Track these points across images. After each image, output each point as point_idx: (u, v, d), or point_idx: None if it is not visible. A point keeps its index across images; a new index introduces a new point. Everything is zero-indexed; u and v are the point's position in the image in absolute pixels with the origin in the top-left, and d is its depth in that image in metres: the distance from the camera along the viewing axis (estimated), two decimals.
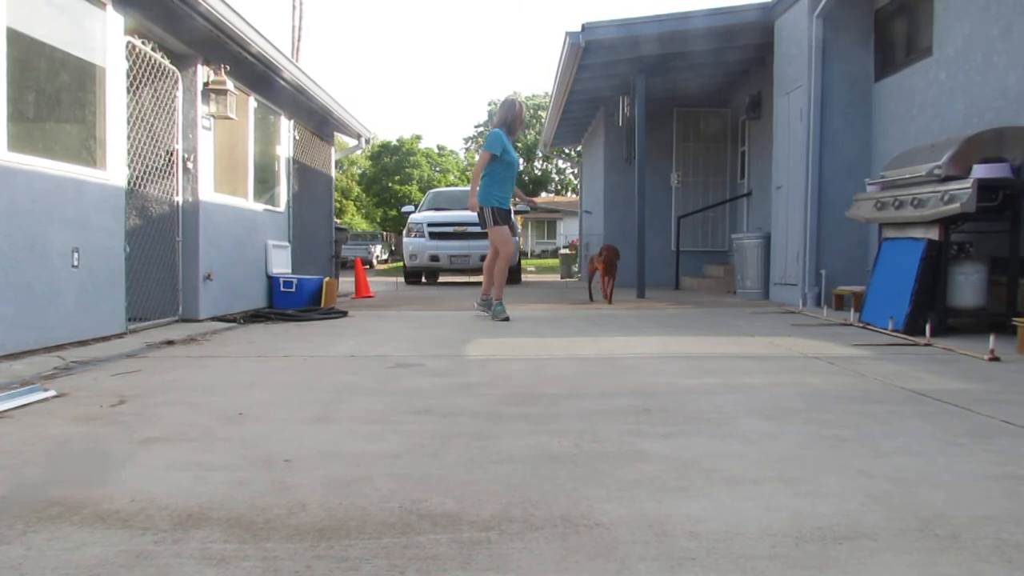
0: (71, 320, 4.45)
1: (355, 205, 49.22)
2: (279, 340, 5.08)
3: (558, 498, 1.80)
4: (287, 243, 8.27)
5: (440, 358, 4.17)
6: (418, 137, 49.89)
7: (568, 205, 41.90)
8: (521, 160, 6.95)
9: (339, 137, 11.32)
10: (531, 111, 50.89)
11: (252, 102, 7.29)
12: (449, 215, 13.27)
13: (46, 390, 3.07)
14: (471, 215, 13.35)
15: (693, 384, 3.33)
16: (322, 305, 7.38)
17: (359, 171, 49.74)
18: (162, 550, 1.50)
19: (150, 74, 5.54)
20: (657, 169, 11.64)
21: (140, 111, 5.43)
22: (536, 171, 54.78)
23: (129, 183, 5.20)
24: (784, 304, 7.76)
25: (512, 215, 6.82)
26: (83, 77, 4.73)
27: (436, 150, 51.86)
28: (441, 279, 15.19)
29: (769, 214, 8.69)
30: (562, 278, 17.85)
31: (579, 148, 18.57)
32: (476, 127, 65.59)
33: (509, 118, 6.57)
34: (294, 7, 20.79)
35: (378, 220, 49.23)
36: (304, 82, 7.91)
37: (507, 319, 6.27)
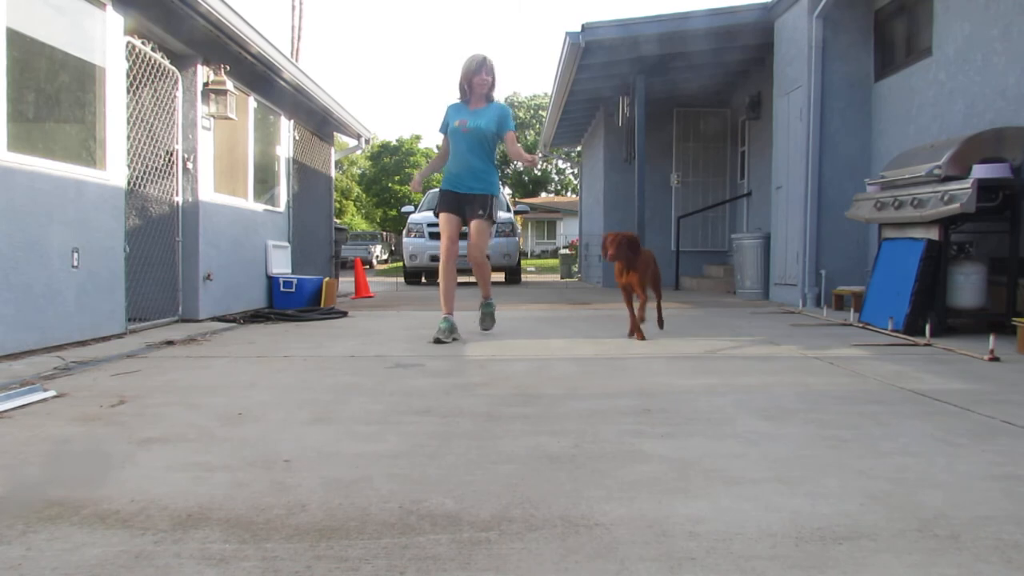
0: (71, 320, 4.45)
1: (355, 205, 49.24)
2: (279, 340, 5.08)
3: (558, 498, 1.80)
4: (287, 243, 8.27)
5: (440, 358, 4.17)
6: (417, 137, 49.91)
7: (568, 205, 41.91)
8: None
9: (339, 137, 11.33)
10: (531, 111, 50.91)
11: (252, 102, 7.29)
12: None
13: (46, 390, 3.07)
14: None
15: (693, 384, 3.33)
16: (322, 305, 7.38)
17: (359, 171, 49.77)
18: (162, 550, 1.50)
19: (150, 74, 5.54)
20: (657, 169, 11.65)
21: (140, 111, 5.43)
22: (536, 171, 54.78)
23: (129, 183, 5.20)
24: (784, 304, 7.75)
25: (483, 204, 5.11)
26: (83, 77, 4.73)
27: (435, 150, 51.87)
28: None
29: (769, 214, 8.69)
30: (562, 278, 17.86)
31: (579, 148, 18.58)
32: None
33: (459, 80, 5.18)
34: (293, 7, 20.82)
35: (378, 220, 49.25)
36: (304, 82, 7.91)
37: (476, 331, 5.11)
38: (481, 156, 5.11)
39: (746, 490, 1.86)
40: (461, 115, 5.15)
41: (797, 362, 3.98)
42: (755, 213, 10.40)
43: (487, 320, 5.38)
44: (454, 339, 4.89)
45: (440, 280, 5.16)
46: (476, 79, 5.11)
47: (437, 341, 4.78)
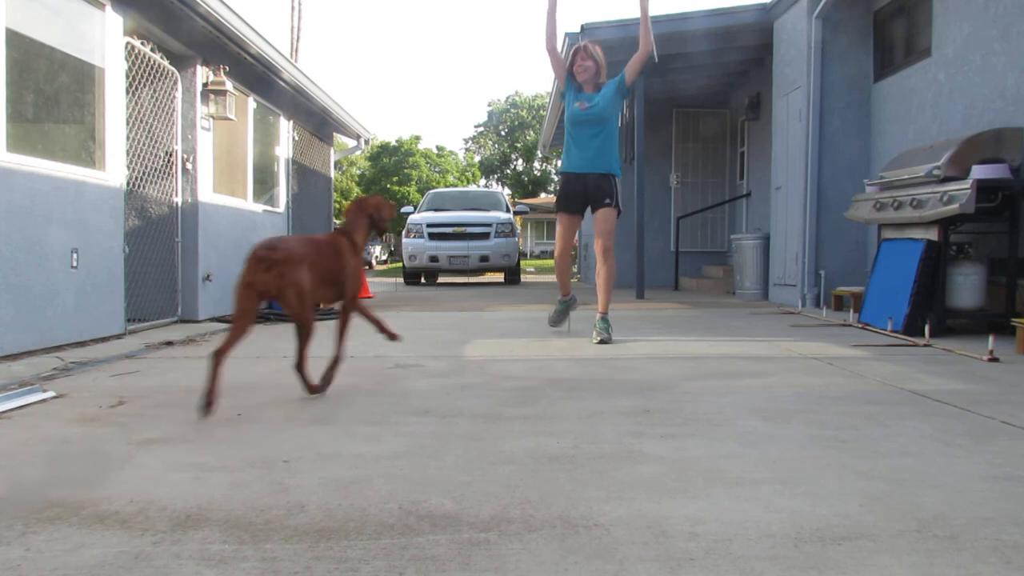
0: (70, 321, 4.44)
1: None
2: (278, 341, 5.07)
3: (557, 499, 1.80)
4: None
5: (439, 359, 4.17)
6: (417, 138, 49.89)
7: None
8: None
9: (338, 138, 11.33)
10: (533, 111, 50.91)
11: (251, 103, 7.28)
12: (448, 216, 13.25)
13: (45, 391, 3.07)
14: (470, 216, 13.42)
15: (692, 385, 3.33)
16: (321, 306, 7.37)
17: (358, 172, 49.75)
18: (161, 551, 1.50)
19: (149, 75, 5.54)
20: (656, 170, 11.64)
21: (139, 112, 5.43)
22: (536, 172, 54.75)
23: (128, 184, 5.20)
24: (783, 305, 7.76)
25: (605, 190, 4.92)
26: (82, 78, 4.73)
27: (435, 151, 51.88)
28: (440, 280, 15.18)
29: (768, 215, 8.69)
30: None
31: None
32: (476, 127, 65.62)
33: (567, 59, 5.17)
34: (293, 7, 20.85)
35: None
36: (303, 83, 7.91)
37: (603, 342, 4.67)
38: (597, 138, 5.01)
39: (745, 491, 1.86)
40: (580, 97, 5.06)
41: (796, 363, 3.98)
42: (754, 214, 10.40)
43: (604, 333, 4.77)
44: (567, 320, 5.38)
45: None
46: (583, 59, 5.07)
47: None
